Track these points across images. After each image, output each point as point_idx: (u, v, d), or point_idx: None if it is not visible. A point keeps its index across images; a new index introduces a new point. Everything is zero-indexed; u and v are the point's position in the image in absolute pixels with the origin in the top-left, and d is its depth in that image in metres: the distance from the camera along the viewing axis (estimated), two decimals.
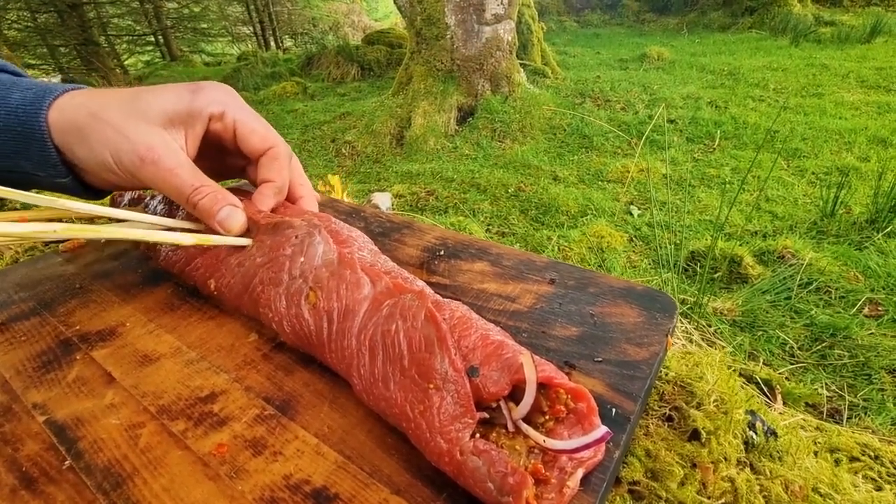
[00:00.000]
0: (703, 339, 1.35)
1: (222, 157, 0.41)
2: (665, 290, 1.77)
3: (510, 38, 3.78)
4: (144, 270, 0.43)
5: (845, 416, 1.37)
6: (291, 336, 0.31)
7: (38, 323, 0.37)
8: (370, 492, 0.23)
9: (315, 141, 3.92)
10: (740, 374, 1.05)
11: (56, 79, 8.41)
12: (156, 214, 0.40)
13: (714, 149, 3.23)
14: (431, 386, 0.23)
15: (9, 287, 0.42)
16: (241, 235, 0.35)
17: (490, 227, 2.62)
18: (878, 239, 2.14)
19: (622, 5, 7.76)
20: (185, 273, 0.37)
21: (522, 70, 4.06)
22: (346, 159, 3.62)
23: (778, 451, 0.28)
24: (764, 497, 0.25)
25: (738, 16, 6.39)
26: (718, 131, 3.39)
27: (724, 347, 1.44)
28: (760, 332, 1.73)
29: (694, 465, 0.27)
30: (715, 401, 0.29)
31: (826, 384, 1.49)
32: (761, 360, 1.59)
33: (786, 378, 1.39)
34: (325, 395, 0.29)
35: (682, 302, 1.75)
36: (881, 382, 1.49)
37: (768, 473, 0.27)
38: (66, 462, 0.26)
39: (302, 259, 0.32)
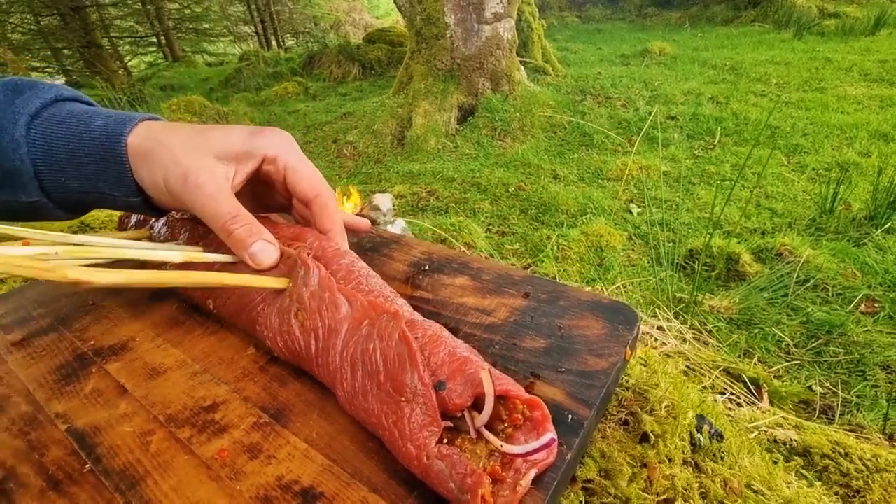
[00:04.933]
0: (695, 339, 1.37)
1: (269, 195, 0.44)
2: (663, 288, 1.80)
3: (510, 37, 3.79)
4: None
5: (838, 413, 1.39)
6: (284, 350, 0.34)
7: (56, 338, 0.41)
8: (351, 490, 0.27)
9: (317, 142, 3.95)
10: (728, 373, 1.07)
11: (60, 81, 8.50)
12: (160, 236, 0.44)
13: (714, 145, 3.23)
14: (403, 399, 0.26)
15: (28, 304, 0.46)
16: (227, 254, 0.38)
17: (490, 227, 2.65)
18: (877, 235, 2.15)
19: (624, 0, 7.71)
20: (187, 292, 0.41)
21: (523, 68, 4.07)
22: (347, 160, 3.65)
23: (721, 452, 0.31)
24: (701, 493, 0.28)
25: (741, 9, 6.34)
26: (719, 128, 3.39)
27: (718, 347, 1.47)
28: (757, 330, 1.75)
29: (644, 465, 0.30)
30: (666, 406, 0.32)
31: (820, 381, 1.51)
32: (756, 358, 1.61)
33: (775, 376, 1.41)
34: (314, 405, 0.32)
35: (679, 301, 1.77)
36: (875, 379, 1.51)
37: (709, 472, 0.30)
38: (87, 466, 0.30)
39: (292, 280, 0.35)
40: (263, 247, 0.36)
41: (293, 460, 0.29)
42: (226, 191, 0.36)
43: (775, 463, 0.35)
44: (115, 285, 0.28)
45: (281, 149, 0.39)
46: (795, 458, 0.55)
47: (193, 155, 0.35)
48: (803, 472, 0.36)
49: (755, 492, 0.29)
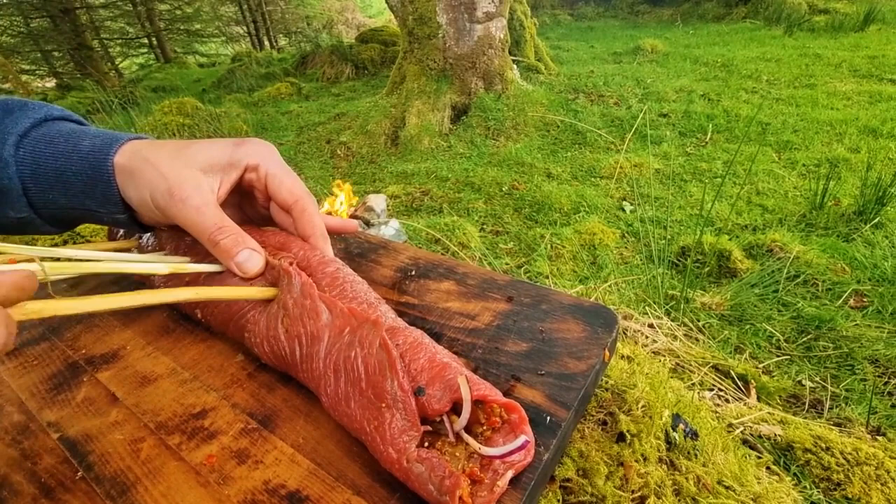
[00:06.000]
0: (686, 336, 1.39)
1: (252, 207, 0.45)
2: (655, 286, 1.81)
3: (502, 36, 3.80)
4: None
5: (826, 407, 1.41)
6: (270, 356, 0.35)
7: (48, 348, 0.41)
8: (336, 493, 0.28)
9: (310, 142, 3.95)
10: (717, 370, 1.09)
11: (50, 84, 8.44)
12: (147, 246, 0.44)
13: (706, 143, 3.25)
14: (384, 404, 0.27)
15: None
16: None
17: (484, 227, 2.66)
18: (866, 230, 2.17)
19: None
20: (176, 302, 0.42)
21: (515, 67, 4.08)
22: (341, 160, 3.65)
23: (696, 450, 0.32)
24: (675, 490, 0.29)
25: (732, 6, 6.38)
26: (710, 125, 3.41)
27: (708, 343, 1.48)
28: (748, 326, 1.77)
29: (620, 464, 0.31)
30: (642, 406, 0.34)
31: (810, 376, 1.53)
32: (747, 353, 1.63)
33: (766, 372, 1.43)
34: (301, 410, 0.33)
35: (671, 298, 1.79)
36: (863, 373, 1.53)
37: (683, 469, 0.31)
38: (79, 473, 0.30)
39: (279, 288, 0.36)
40: (249, 255, 0.36)
41: (280, 465, 0.30)
42: (211, 203, 0.37)
43: (747, 459, 0.37)
44: (104, 311, 0.29)
45: (262, 158, 0.40)
46: (774, 452, 0.57)
47: (178, 169, 0.36)
48: (774, 467, 0.37)
49: (727, 487, 0.30)
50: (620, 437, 0.32)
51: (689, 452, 0.32)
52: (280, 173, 0.41)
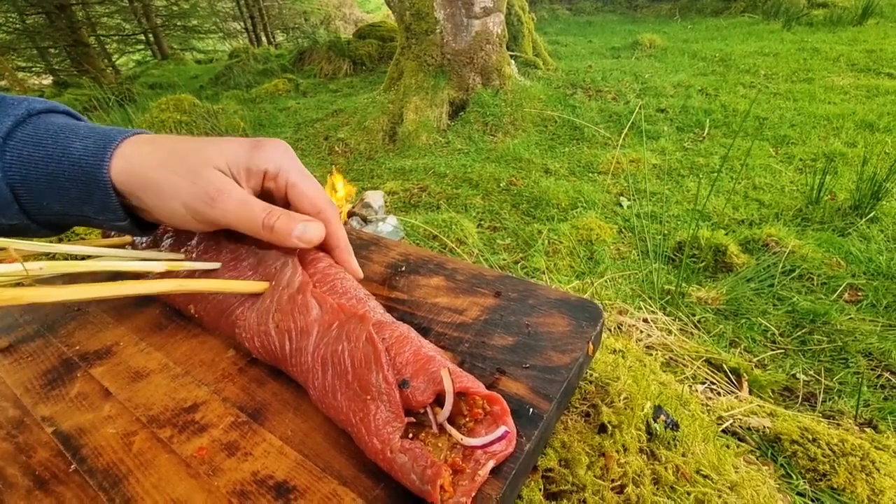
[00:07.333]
0: (681, 331, 1.40)
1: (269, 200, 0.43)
2: (651, 280, 1.82)
3: (500, 31, 3.79)
4: None
5: (820, 400, 1.42)
6: (261, 351, 0.36)
7: (43, 344, 0.42)
8: (322, 483, 0.29)
9: (308, 139, 3.94)
10: (710, 364, 1.10)
11: (47, 81, 8.41)
12: (142, 243, 0.45)
13: (703, 138, 3.25)
14: (369, 397, 0.28)
15: (14, 310, 0.47)
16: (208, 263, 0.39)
17: (482, 223, 2.67)
18: (861, 225, 2.18)
19: None
20: (170, 298, 0.42)
21: (513, 62, 4.07)
22: (339, 157, 3.65)
23: (676, 440, 0.33)
24: (653, 480, 0.30)
25: (730, 0, 6.36)
26: (708, 120, 3.41)
27: (702, 338, 1.49)
28: (743, 320, 1.78)
29: (602, 454, 0.32)
30: (624, 398, 0.34)
31: (804, 369, 1.54)
32: (742, 347, 1.64)
33: (758, 366, 1.44)
34: (290, 404, 0.34)
35: (667, 293, 1.80)
36: (857, 366, 1.54)
37: (662, 459, 0.32)
38: (72, 466, 0.31)
39: (273, 283, 0.37)
40: (305, 226, 0.36)
41: (268, 457, 0.30)
42: (249, 194, 0.36)
43: (727, 449, 0.37)
44: (96, 298, 0.29)
45: (281, 165, 0.38)
46: (762, 444, 0.58)
47: (205, 173, 0.35)
48: (752, 457, 0.38)
49: (704, 476, 0.31)
50: (602, 429, 0.33)
51: (669, 443, 0.33)
52: (300, 183, 0.39)
